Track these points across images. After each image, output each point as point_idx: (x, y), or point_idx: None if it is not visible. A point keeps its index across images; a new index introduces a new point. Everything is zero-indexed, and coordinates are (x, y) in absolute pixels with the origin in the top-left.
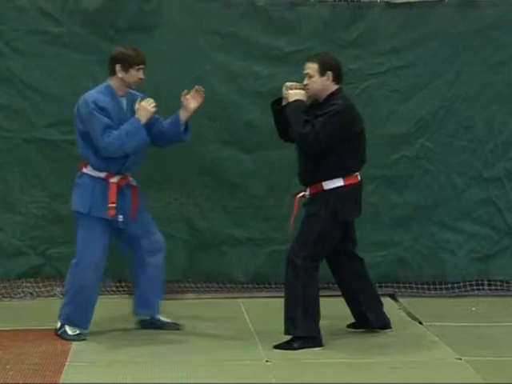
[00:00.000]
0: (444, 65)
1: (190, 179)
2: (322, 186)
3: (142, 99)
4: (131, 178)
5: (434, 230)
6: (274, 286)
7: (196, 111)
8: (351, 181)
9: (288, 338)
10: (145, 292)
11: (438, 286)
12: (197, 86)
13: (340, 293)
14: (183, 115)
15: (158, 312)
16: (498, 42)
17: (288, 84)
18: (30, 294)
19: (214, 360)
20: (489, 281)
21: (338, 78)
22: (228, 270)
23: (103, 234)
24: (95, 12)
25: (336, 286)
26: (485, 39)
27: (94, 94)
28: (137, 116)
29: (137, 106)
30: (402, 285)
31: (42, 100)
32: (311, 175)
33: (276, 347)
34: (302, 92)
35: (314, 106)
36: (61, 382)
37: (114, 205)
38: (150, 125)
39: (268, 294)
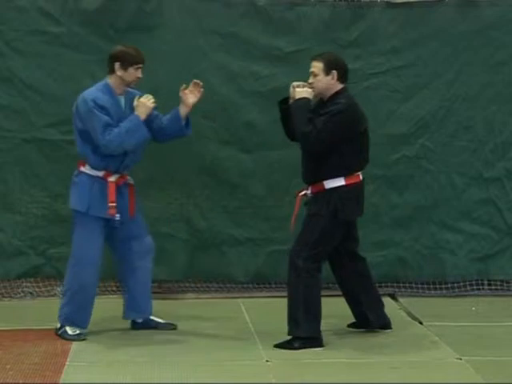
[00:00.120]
0: (444, 65)
1: (190, 179)
2: (323, 185)
3: (141, 96)
4: (129, 177)
5: (434, 229)
6: (274, 285)
7: (196, 111)
8: (353, 180)
9: (289, 337)
10: (135, 296)
11: (438, 286)
12: (195, 80)
13: (340, 292)
14: (183, 110)
15: (150, 313)
16: (498, 41)
17: (295, 83)
18: (30, 293)
19: (214, 360)
20: (489, 281)
21: (342, 78)
22: (228, 269)
23: (100, 234)
24: (95, 12)
25: (336, 285)
26: (485, 39)
27: (93, 92)
28: (136, 113)
29: (135, 102)
30: (402, 285)
31: (42, 100)
32: (313, 174)
33: (276, 346)
34: (309, 90)
35: (319, 104)
36: (61, 381)
37: (114, 204)
38: (149, 121)
39: (268, 294)
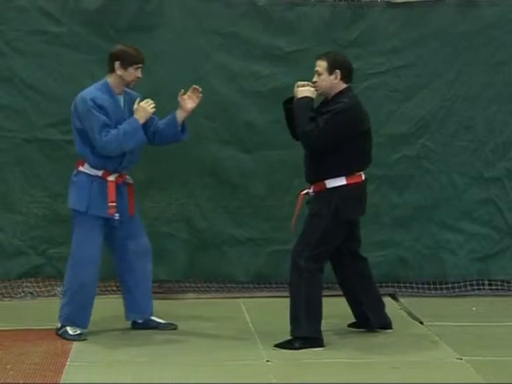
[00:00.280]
0: (444, 65)
1: (190, 179)
2: (325, 185)
3: (141, 99)
4: (128, 176)
5: (435, 229)
6: (274, 285)
7: (196, 111)
8: (354, 180)
9: (289, 337)
10: (135, 297)
11: (438, 286)
12: (194, 86)
13: (341, 292)
14: (180, 115)
15: (151, 314)
16: (498, 41)
17: (299, 83)
18: (31, 293)
19: (214, 360)
20: (489, 281)
21: (346, 77)
22: (228, 269)
23: (100, 233)
24: (96, 12)
25: (337, 285)
26: (485, 39)
27: (92, 92)
28: (135, 116)
29: (136, 106)
30: (402, 285)
31: (42, 100)
32: (315, 173)
33: (277, 346)
34: (311, 89)
35: (323, 103)
36: (61, 381)
37: (114, 203)
38: (146, 125)
39: (269, 294)
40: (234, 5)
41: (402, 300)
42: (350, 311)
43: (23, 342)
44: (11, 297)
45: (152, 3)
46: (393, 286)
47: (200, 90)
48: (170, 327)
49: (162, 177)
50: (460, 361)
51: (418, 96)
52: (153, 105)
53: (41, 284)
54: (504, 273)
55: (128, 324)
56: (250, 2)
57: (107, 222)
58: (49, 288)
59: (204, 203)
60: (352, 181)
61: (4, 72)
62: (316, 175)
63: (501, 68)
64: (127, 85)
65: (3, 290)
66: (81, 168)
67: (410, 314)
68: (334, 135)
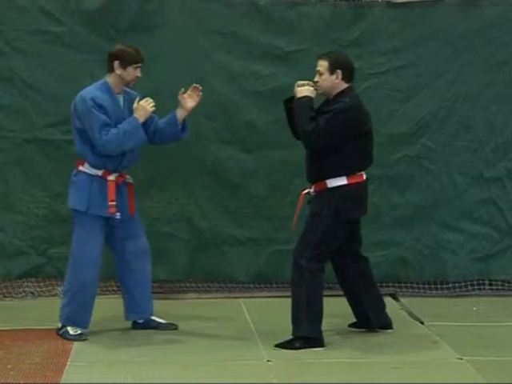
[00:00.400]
0: (445, 64)
1: (190, 179)
2: (325, 184)
3: (141, 98)
4: (128, 176)
5: (435, 229)
6: (275, 285)
7: (197, 111)
8: (355, 180)
9: (290, 337)
10: (135, 297)
11: (439, 286)
12: (194, 85)
13: (341, 292)
14: (180, 114)
15: (151, 314)
16: (498, 41)
17: (300, 82)
18: (32, 293)
19: (214, 360)
20: (490, 281)
21: (348, 77)
22: (229, 269)
23: (100, 233)
24: (96, 12)
25: (337, 285)
26: (485, 39)
27: (91, 91)
28: (135, 115)
29: (135, 105)
30: (403, 284)
31: (43, 100)
32: (316, 173)
33: (277, 346)
34: (311, 89)
35: (324, 103)
36: (62, 381)
37: (114, 203)
38: (146, 124)
39: (269, 294)
40: (234, 5)
41: (402, 300)
42: (350, 311)
43: (24, 342)
44: (12, 297)
45: (152, 3)
46: (393, 286)
47: (200, 88)
48: (171, 327)
49: (162, 177)
50: (460, 361)
51: (419, 96)
52: (152, 103)
53: (41, 284)
54: (505, 273)
55: (129, 324)
56: (250, 1)
57: (107, 221)
58: (49, 288)
59: (204, 203)
60: (353, 180)
61: (4, 72)
62: (317, 175)
63: (501, 68)
64: (127, 84)
65: (4, 290)
66: (81, 168)
67: (411, 314)
68: (334, 135)
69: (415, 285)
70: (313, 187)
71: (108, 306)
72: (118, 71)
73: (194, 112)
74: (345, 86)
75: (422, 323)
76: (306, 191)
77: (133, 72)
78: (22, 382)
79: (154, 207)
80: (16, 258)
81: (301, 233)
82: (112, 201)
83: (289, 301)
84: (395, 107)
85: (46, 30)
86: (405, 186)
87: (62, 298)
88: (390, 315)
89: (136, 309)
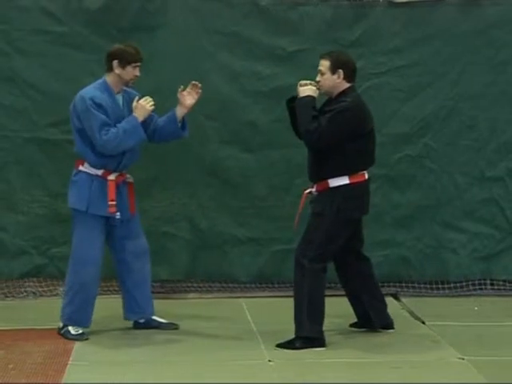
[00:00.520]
0: (447, 64)
1: (192, 179)
2: (327, 184)
3: (140, 97)
4: (128, 175)
5: (437, 229)
6: (276, 285)
7: (198, 111)
8: (357, 179)
9: (291, 337)
10: (135, 297)
11: (440, 286)
12: (193, 82)
13: (342, 292)
14: (180, 112)
15: (152, 313)
16: (500, 41)
17: (302, 82)
18: (33, 293)
19: (216, 360)
20: (491, 280)
21: (349, 77)
22: (230, 269)
23: (101, 232)
24: (98, 12)
25: (339, 285)
26: (487, 38)
27: (90, 91)
28: (134, 114)
29: (135, 104)
30: (404, 284)
31: (44, 99)
32: (318, 172)
33: (278, 346)
34: (313, 88)
35: (326, 103)
36: (63, 381)
37: (114, 202)
38: (145, 122)
39: (270, 294)
40: (236, 4)
41: (403, 300)
42: (351, 311)
43: (25, 342)
44: (13, 296)
45: (154, 3)
46: (395, 286)
47: (199, 85)
48: (172, 327)
49: (164, 176)
50: (462, 361)
51: (421, 95)
52: (152, 102)
53: (43, 284)
54: (506, 272)
55: (130, 324)
56: (252, 1)
57: (108, 221)
58: (51, 288)
59: (206, 203)
60: (355, 180)
61: (6, 72)
62: (319, 174)
63: (503, 67)
64: (126, 83)
65: (5, 290)
66: (81, 167)
67: (412, 314)
68: (336, 134)
69: (416, 285)
70: (315, 187)
71: (109, 306)
72: (117, 71)
73: (196, 112)
74: (346, 85)
75: (423, 323)
76: (308, 191)
77: (132, 71)
78: (23, 381)
79: (155, 207)
80: (17, 258)
81: (303, 232)
82: (112, 200)
83: (290, 301)
84: (397, 107)
85: (47, 29)
86: (406, 185)
87: (63, 298)
88: (391, 315)
89: (136, 309)
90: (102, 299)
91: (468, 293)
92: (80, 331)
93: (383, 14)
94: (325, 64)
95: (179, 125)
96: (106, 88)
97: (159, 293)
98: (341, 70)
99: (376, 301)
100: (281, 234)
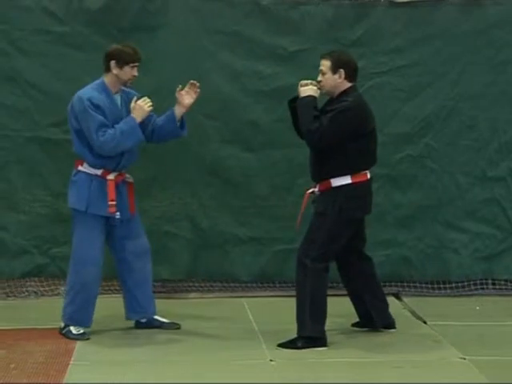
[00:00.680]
0: (448, 64)
1: (193, 178)
2: (330, 183)
3: (138, 98)
4: (127, 175)
5: (438, 229)
6: (277, 285)
7: (199, 111)
8: (359, 179)
9: (293, 336)
10: (136, 297)
11: (442, 286)
12: (192, 81)
13: (344, 292)
14: (178, 111)
15: (153, 313)
16: (501, 41)
17: (303, 82)
18: (35, 293)
19: (217, 359)
20: (493, 280)
21: (351, 77)
22: (232, 269)
23: (101, 232)
24: (99, 12)
25: (341, 285)
26: (488, 38)
27: (88, 92)
28: (132, 115)
29: (133, 104)
30: (406, 284)
31: (45, 99)
32: (320, 172)
33: (280, 345)
34: (314, 88)
35: (328, 103)
36: (65, 381)
37: (114, 202)
38: (144, 123)
39: (272, 294)
40: (237, 4)
41: (405, 299)
42: (353, 310)
43: (27, 341)
44: (15, 296)
45: (155, 3)
46: (396, 286)
47: (198, 85)
48: (174, 326)
49: (164, 176)
50: (463, 360)
51: (422, 95)
52: (150, 103)
53: (44, 283)
54: (508, 272)
55: (131, 323)
56: (253, 1)
57: (108, 221)
58: (52, 287)
59: (207, 202)
60: (357, 179)
61: (8, 71)
62: (321, 174)
63: (504, 67)
64: (124, 84)
65: (7, 290)
66: (80, 167)
67: (414, 314)
68: (338, 134)
69: (418, 284)
70: (317, 186)
71: (110, 305)
72: (115, 71)
73: (196, 111)
74: (348, 85)
75: (424, 323)
76: (310, 190)
77: (129, 71)
78: (24, 381)
79: (156, 206)
80: (19, 258)
81: (305, 232)
82: (112, 200)
83: (292, 300)
84: (398, 106)
85: (48, 29)
86: (407, 185)
87: (65, 298)
88: (392, 315)
89: (138, 308)
90: (103, 299)
91: (470, 293)
92: (81, 331)
93: (384, 14)
94: (326, 64)
95: (178, 124)
96: (104, 88)
97: (160, 292)
98: (342, 70)
99: (378, 300)
100: (283, 233)
